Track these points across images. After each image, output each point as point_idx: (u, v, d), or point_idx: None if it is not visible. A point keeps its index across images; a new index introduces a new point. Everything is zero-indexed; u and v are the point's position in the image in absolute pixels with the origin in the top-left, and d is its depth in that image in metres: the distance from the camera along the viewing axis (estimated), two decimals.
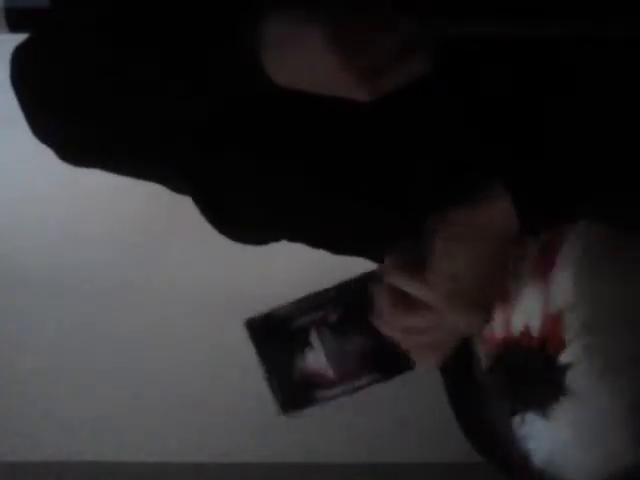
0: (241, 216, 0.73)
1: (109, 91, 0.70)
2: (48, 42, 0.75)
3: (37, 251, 2.04)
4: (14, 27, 0.66)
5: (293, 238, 0.77)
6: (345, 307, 0.73)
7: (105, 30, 0.68)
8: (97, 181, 2.00)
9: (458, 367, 0.75)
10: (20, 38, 1.92)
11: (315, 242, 0.78)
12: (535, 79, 0.62)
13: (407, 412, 1.99)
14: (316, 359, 0.72)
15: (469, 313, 0.67)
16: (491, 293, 0.67)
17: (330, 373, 0.71)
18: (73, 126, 0.76)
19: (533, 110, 0.62)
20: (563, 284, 0.65)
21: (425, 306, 0.67)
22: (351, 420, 1.99)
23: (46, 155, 2.10)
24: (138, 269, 2.03)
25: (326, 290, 0.73)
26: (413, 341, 0.70)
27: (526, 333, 0.67)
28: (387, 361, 0.73)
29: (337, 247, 0.78)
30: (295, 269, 1.77)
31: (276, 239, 0.78)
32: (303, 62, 0.59)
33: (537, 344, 0.66)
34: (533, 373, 0.67)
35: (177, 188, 0.74)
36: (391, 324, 0.69)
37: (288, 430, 2.02)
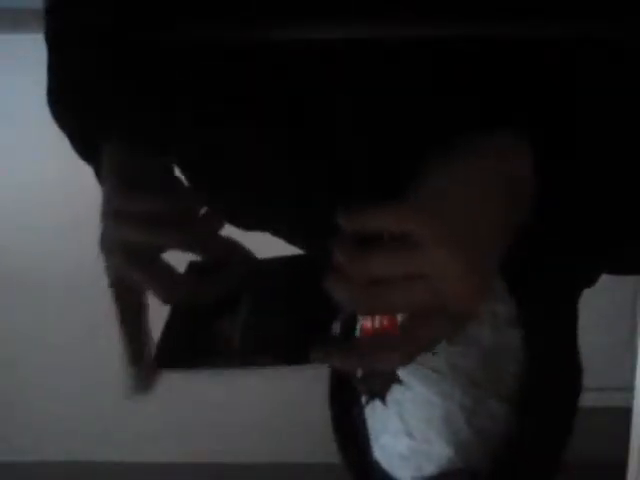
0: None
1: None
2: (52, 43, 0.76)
3: (39, 252, 2.04)
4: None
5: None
6: (287, 281, 0.64)
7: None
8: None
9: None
10: (19, 38, 1.91)
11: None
12: (535, 80, 0.62)
13: None
14: (232, 323, 0.63)
15: (460, 254, 0.53)
16: (489, 246, 0.55)
17: (235, 343, 0.62)
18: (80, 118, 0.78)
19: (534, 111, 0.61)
20: None
21: (400, 246, 0.54)
22: None
23: (46, 155, 2.09)
24: None
25: (278, 258, 0.65)
26: (382, 301, 0.54)
27: (382, 322, 0.68)
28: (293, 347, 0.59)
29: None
30: None
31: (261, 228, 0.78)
32: None
33: (392, 331, 0.66)
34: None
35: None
36: (355, 278, 0.54)
37: (288, 430, 2.03)
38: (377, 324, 0.67)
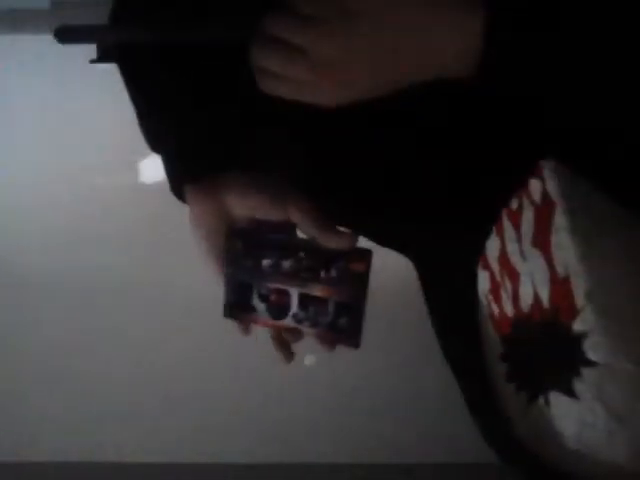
0: None
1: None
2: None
3: (38, 252, 2.04)
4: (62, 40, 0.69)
5: None
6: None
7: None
8: (98, 183, 2.01)
9: (468, 359, 0.72)
10: (19, 38, 1.91)
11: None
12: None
13: (408, 413, 1.99)
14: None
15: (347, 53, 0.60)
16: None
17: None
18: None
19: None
20: (563, 248, 0.62)
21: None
22: (352, 420, 1.99)
23: (45, 155, 2.09)
24: (138, 270, 2.03)
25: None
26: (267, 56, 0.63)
27: (536, 306, 0.64)
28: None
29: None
30: None
31: None
32: None
33: (549, 316, 0.63)
34: (549, 348, 0.64)
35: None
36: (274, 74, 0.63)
37: (288, 430, 2.03)
38: None
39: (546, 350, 0.64)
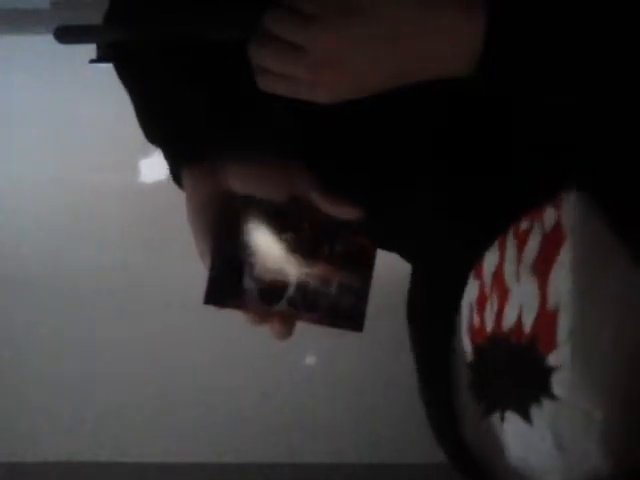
0: None
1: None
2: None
3: (38, 252, 2.04)
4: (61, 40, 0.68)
5: None
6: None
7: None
8: (98, 183, 2.01)
9: (434, 356, 0.73)
10: (19, 38, 1.92)
11: None
12: None
13: (407, 413, 1.99)
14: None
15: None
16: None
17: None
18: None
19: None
20: (562, 282, 0.63)
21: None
22: (352, 420, 1.99)
23: (45, 155, 2.09)
24: (138, 270, 2.03)
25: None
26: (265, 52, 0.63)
27: (517, 329, 0.65)
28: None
29: None
30: None
31: None
32: None
33: (527, 341, 0.64)
34: (518, 371, 0.65)
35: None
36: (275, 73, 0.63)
37: (288, 430, 2.03)
38: None
39: (514, 371, 0.66)
